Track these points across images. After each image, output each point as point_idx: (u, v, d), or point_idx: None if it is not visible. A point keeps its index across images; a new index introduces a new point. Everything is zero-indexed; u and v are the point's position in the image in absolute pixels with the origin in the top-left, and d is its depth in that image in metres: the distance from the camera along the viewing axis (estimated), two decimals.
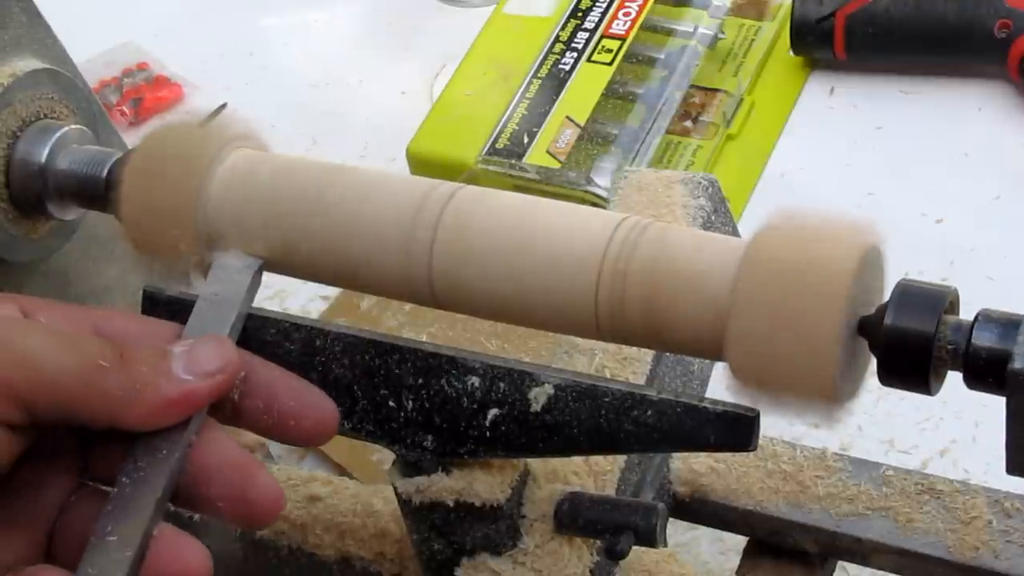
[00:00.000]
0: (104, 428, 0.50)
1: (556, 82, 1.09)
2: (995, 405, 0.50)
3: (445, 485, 0.57)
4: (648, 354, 0.68)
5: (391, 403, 0.56)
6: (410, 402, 0.56)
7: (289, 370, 0.55)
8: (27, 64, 0.70)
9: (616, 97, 1.08)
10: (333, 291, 1.02)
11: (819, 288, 0.48)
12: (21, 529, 0.51)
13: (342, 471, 0.91)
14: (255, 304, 0.58)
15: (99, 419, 0.50)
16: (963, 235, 0.99)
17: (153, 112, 1.20)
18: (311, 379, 0.56)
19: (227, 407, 0.53)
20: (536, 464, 0.60)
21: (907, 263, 0.94)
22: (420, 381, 0.56)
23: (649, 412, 0.53)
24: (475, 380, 0.55)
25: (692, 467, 0.71)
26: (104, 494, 0.51)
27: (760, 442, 0.53)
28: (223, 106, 1.19)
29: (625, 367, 0.67)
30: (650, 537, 0.59)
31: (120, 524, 0.48)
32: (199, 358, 0.52)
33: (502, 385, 0.55)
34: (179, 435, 0.51)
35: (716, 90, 1.10)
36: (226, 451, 0.52)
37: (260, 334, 0.57)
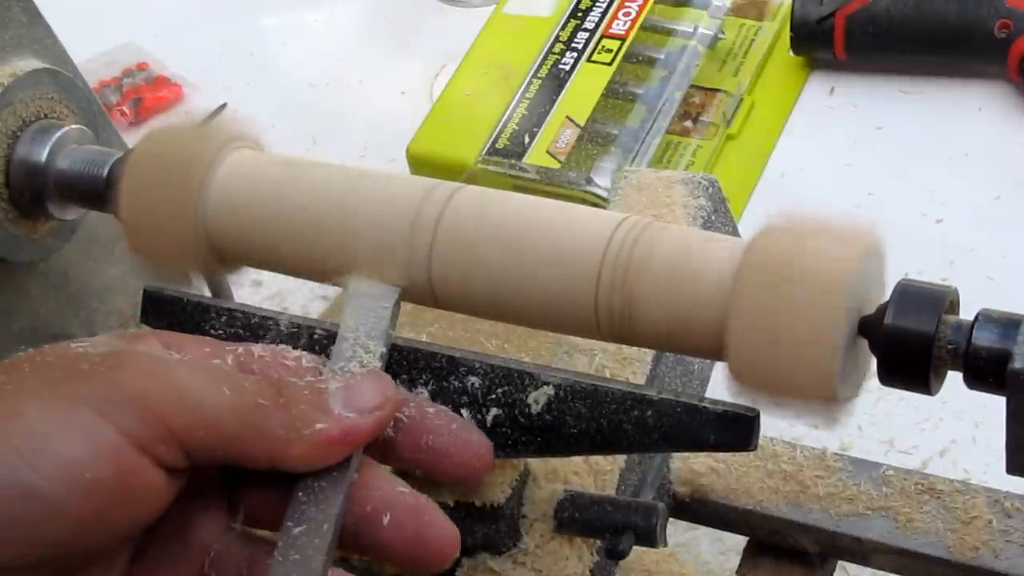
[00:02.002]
0: (264, 469, 0.49)
1: (556, 82, 1.09)
2: (995, 405, 0.50)
3: (445, 485, 0.57)
4: (648, 354, 0.68)
5: None
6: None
7: None
8: (27, 64, 0.70)
9: (616, 97, 1.08)
10: (333, 291, 1.02)
11: (819, 288, 0.48)
12: (172, 571, 0.50)
13: None
14: (254, 305, 0.58)
15: (259, 460, 0.49)
16: (963, 235, 0.99)
17: (153, 112, 1.20)
18: None
19: (379, 444, 0.52)
20: (536, 464, 0.60)
21: (907, 263, 0.94)
22: (420, 381, 0.56)
23: (649, 412, 0.53)
24: (475, 380, 0.55)
25: (692, 467, 0.71)
26: (255, 537, 0.50)
27: (760, 442, 0.53)
28: (223, 106, 1.19)
29: (625, 367, 0.67)
30: (650, 537, 0.59)
31: (295, 572, 0.47)
32: (358, 394, 0.51)
33: (502, 385, 0.55)
34: (341, 475, 0.49)
35: (716, 90, 1.10)
36: (396, 491, 0.50)
37: (270, 335, 0.57)
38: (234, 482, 0.52)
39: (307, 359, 0.54)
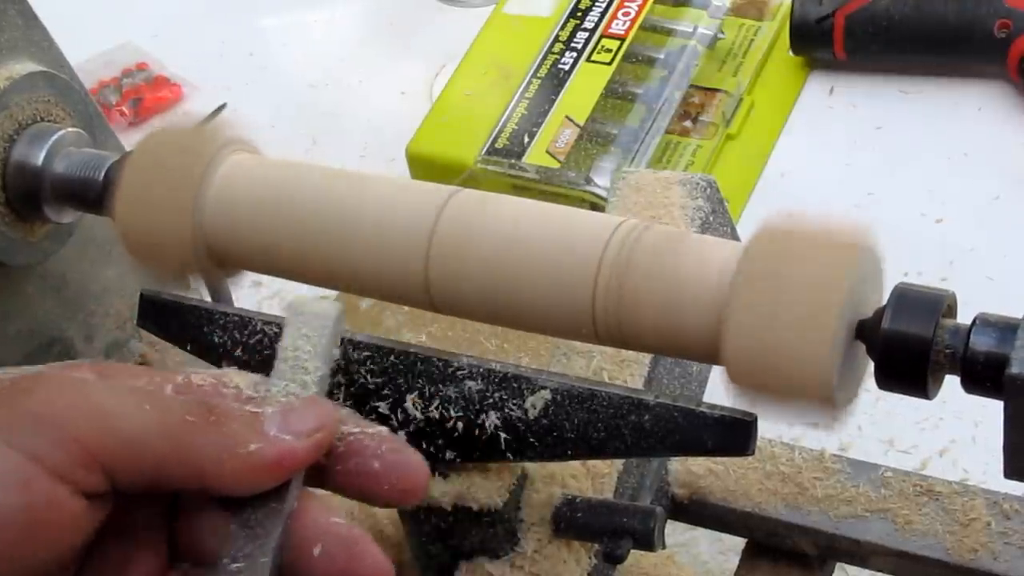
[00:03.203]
0: (193, 491, 0.47)
1: (555, 82, 1.09)
2: (994, 405, 0.50)
3: (443, 489, 0.57)
4: (646, 356, 0.68)
5: (387, 407, 0.56)
6: (407, 406, 0.56)
7: None
8: (23, 67, 0.70)
9: (615, 97, 1.07)
10: (332, 292, 1.02)
11: (816, 292, 0.48)
12: None
13: None
14: (255, 306, 0.58)
15: (189, 482, 0.46)
16: (963, 235, 0.99)
17: (153, 112, 1.20)
18: None
19: (312, 469, 0.50)
20: (534, 468, 0.60)
21: (906, 263, 0.94)
22: (417, 386, 0.56)
23: (646, 417, 0.53)
24: (472, 385, 0.55)
25: (690, 469, 0.71)
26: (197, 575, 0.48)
27: (758, 443, 0.53)
28: (223, 106, 1.19)
29: (623, 369, 0.67)
30: (648, 541, 0.58)
31: None
32: (295, 417, 0.49)
33: (499, 390, 0.55)
34: (279, 506, 0.47)
35: (716, 90, 1.10)
36: (329, 522, 0.48)
37: (258, 339, 0.57)
38: (171, 519, 0.49)
39: (247, 386, 0.51)
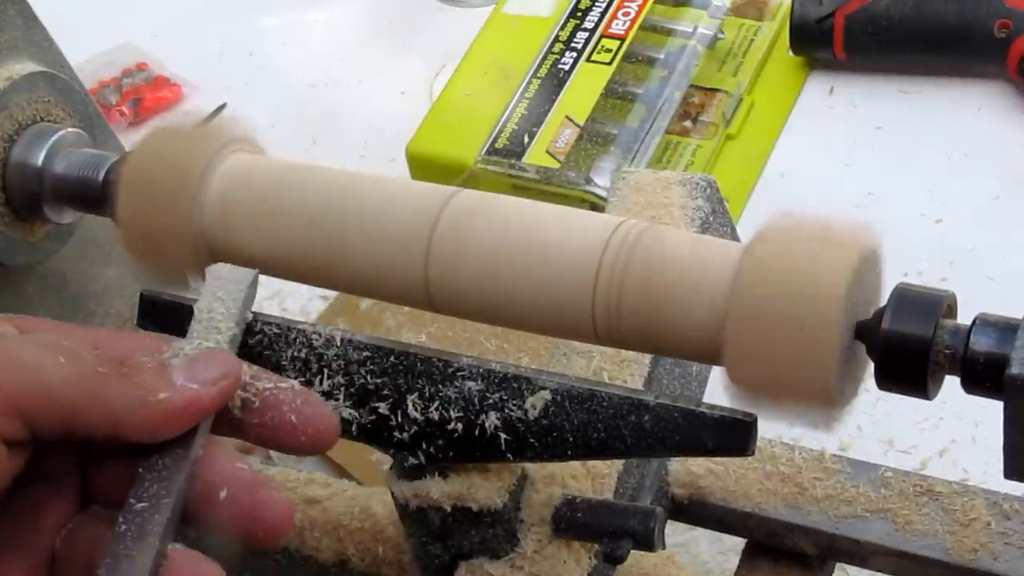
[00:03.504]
0: (105, 440, 0.49)
1: (556, 82, 1.09)
2: (994, 406, 0.50)
3: (442, 489, 0.57)
4: (646, 356, 0.68)
5: (388, 407, 0.56)
6: (407, 407, 0.56)
7: (285, 375, 0.55)
8: (23, 67, 0.70)
9: (615, 97, 1.07)
10: (332, 292, 1.02)
11: (816, 293, 0.48)
12: (22, 553, 0.50)
13: (342, 472, 0.91)
14: (255, 306, 0.58)
15: (101, 430, 0.49)
16: (963, 235, 0.99)
17: (153, 112, 1.20)
18: (308, 383, 0.56)
19: (227, 420, 0.52)
20: (534, 468, 0.60)
21: (906, 263, 0.94)
22: (417, 386, 0.56)
23: (646, 417, 0.53)
24: (472, 385, 0.55)
25: (690, 469, 0.71)
26: (107, 517, 0.50)
27: (758, 444, 0.53)
28: (223, 106, 1.19)
29: (623, 369, 0.67)
30: (648, 541, 0.58)
31: (132, 547, 0.47)
32: (201, 367, 0.51)
33: (499, 390, 0.55)
34: (185, 452, 0.50)
35: (716, 90, 1.10)
36: (234, 467, 0.51)
37: (258, 339, 0.57)
38: (86, 464, 0.52)
39: (163, 339, 0.54)
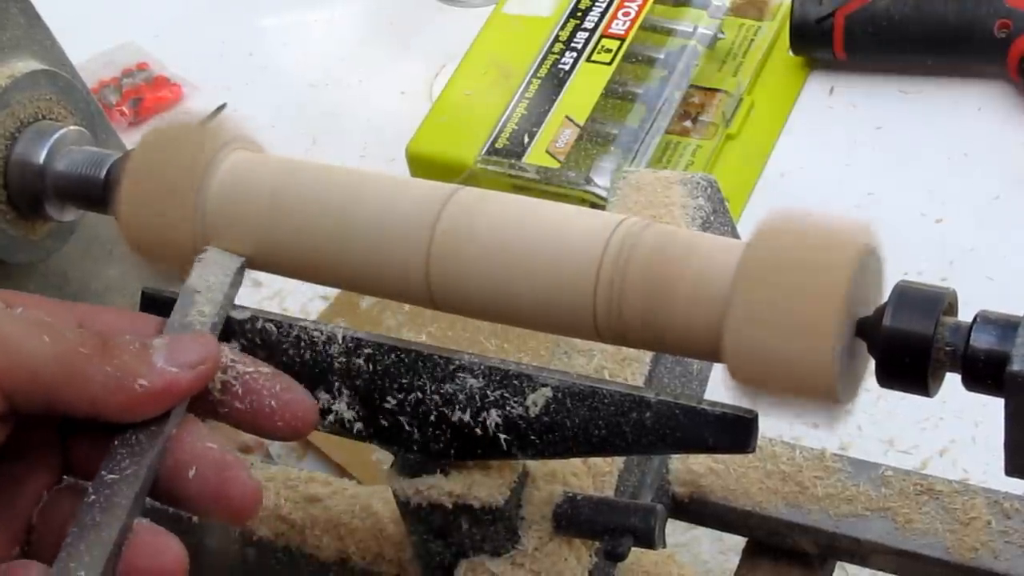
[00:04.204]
0: (84, 417, 0.50)
1: (556, 82, 1.09)
2: (995, 405, 0.50)
3: (443, 487, 0.57)
4: (647, 354, 0.68)
5: (389, 405, 0.56)
6: (408, 404, 0.56)
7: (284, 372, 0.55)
8: (25, 65, 0.70)
9: (615, 97, 1.07)
10: (332, 291, 1.02)
11: (817, 290, 0.48)
12: (1, 523, 0.51)
13: (342, 471, 0.91)
14: (255, 305, 0.58)
15: (80, 408, 0.50)
16: (963, 235, 0.99)
17: (153, 112, 1.20)
18: (306, 382, 0.56)
19: (207, 402, 0.54)
20: (535, 465, 0.60)
21: (907, 263, 0.94)
22: (418, 383, 0.56)
23: (647, 414, 0.53)
24: (473, 382, 0.55)
25: (691, 468, 0.71)
26: (83, 489, 0.51)
27: (759, 442, 0.53)
28: (223, 106, 1.19)
29: (624, 367, 0.67)
30: (649, 539, 0.59)
31: (98, 518, 0.48)
32: (181, 350, 0.52)
33: (500, 387, 0.55)
34: (159, 429, 0.51)
35: (716, 90, 1.10)
36: (204, 446, 0.52)
37: (260, 336, 0.57)
38: (65, 438, 0.53)
39: (147, 319, 0.55)
